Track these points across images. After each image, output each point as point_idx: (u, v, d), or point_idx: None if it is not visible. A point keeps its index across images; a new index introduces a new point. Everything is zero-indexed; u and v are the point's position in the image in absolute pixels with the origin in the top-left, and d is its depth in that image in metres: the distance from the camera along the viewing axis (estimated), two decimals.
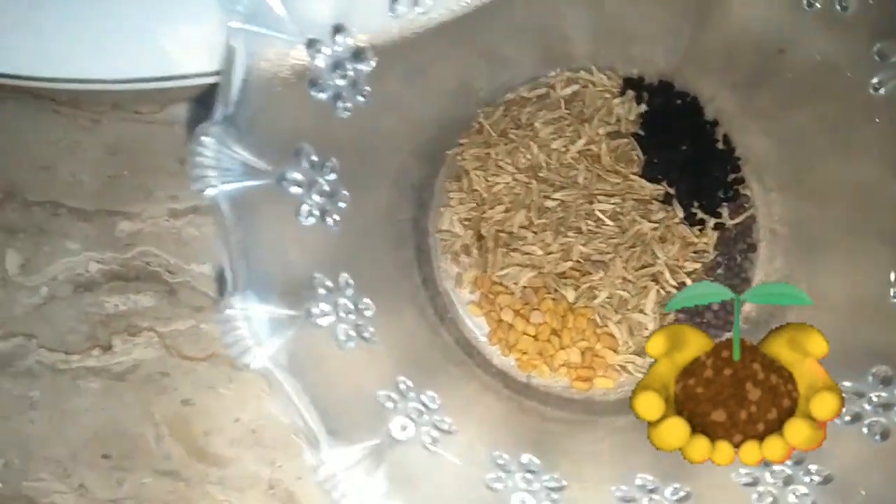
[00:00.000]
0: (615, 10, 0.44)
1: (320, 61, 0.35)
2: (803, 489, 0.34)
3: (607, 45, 0.46)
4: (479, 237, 0.46)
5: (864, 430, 0.35)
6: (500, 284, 0.46)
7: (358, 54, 0.36)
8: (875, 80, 0.38)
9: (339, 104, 0.36)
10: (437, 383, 0.39)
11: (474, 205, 0.46)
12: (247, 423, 0.47)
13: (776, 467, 0.35)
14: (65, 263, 0.49)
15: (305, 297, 0.34)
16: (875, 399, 0.35)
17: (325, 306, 0.34)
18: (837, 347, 0.39)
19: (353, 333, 0.35)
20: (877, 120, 0.39)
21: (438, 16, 0.40)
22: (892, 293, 0.39)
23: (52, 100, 0.49)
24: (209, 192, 0.31)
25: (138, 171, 0.49)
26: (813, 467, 0.34)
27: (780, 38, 0.41)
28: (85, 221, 0.49)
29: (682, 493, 0.37)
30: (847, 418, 0.35)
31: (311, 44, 0.35)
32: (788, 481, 0.35)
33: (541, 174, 0.46)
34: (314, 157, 0.36)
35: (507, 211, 0.45)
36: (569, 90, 0.47)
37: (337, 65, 0.36)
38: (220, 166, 0.31)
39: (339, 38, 0.35)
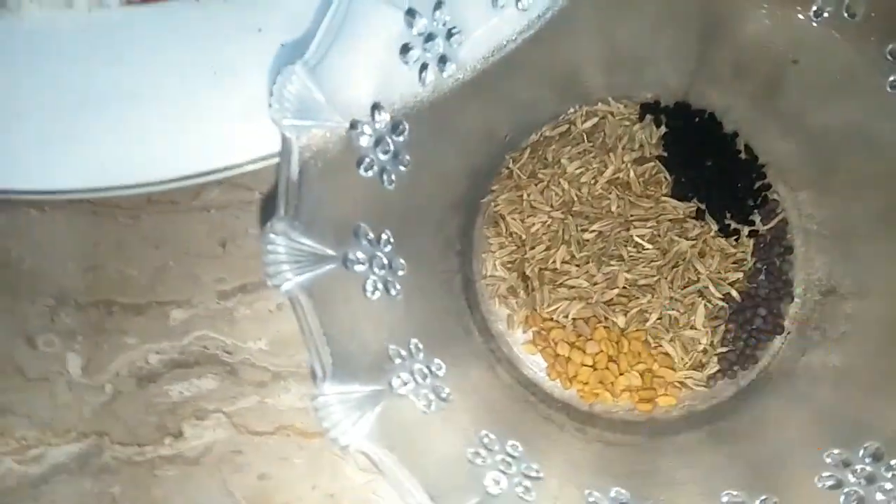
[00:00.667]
0: (623, 39, 0.45)
1: (364, 141, 0.36)
2: (889, 485, 0.36)
3: (620, 74, 0.48)
4: (524, 277, 0.47)
5: None
6: (552, 320, 0.47)
7: (395, 127, 0.38)
8: (892, 79, 0.39)
9: (385, 177, 0.38)
10: (514, 429, 0.40)
11: (514, 247, 0.47)
12: (325, 489, 0.48)
13: (857, 466, 0.37)
14: (125, 358, 0.50)
15: (385, 370, 0.35)
16: None
17: (404, 375, 0.36)
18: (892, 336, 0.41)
19: (432, 397, 0.36)
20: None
21: (462, 76, 0.41)
22: None
23: (88, 202, 0.50)
24: (286, 286, 0.32)
25: (183, 259, 0.50)
26: (894, 462, 0.36)
27: (792, 48, 0.42)
28: (139, 315, 0.50)
29: None
30: None
31: (354, 125, 0.36)
32: (871, 479, 0.36)
33: (575, 209, 0.47)
34: (370, 234, 0.37)
35: (547, 249, 0.47)
36: (589, 123, 0.48)
37: (379, 141, 0.37)
38: (292, 259, 0.33)
39: (377, 115, 0.36)
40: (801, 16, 0.41)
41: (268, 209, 0.49)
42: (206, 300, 0.50)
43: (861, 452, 0.37)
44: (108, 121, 0.43)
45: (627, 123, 0.48)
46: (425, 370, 0.37)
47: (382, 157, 0.37)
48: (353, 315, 0.35)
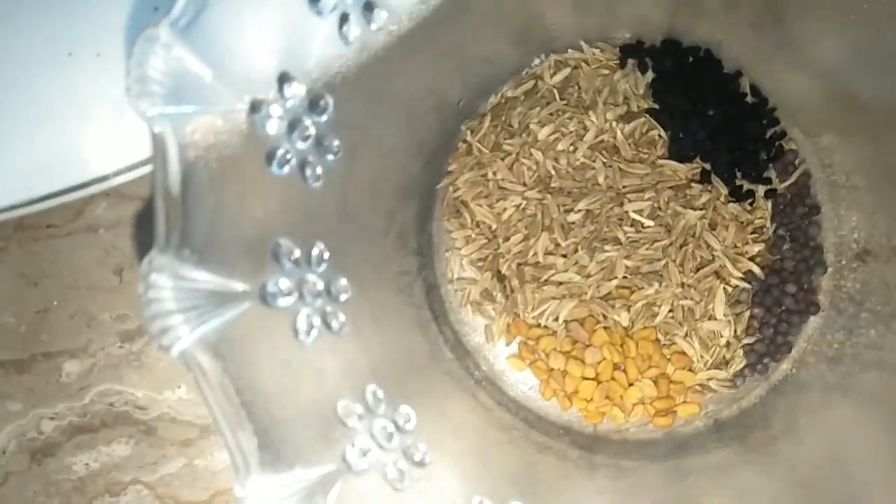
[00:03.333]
0: None
1: (273, 126, 0.26)
2: None
3: (592, 10, 0.39)
4: (500, 277, 0.38)
5: None
6: (539, 326, 0.38)
7: (315, 103, 0.28)
8: None
9: (308, 172, 0.28)
10: (510, 479, 0.31)
11: (485, 240, 0.38)
12: None
13: None
14: (12, 430, 0.40)
15: (336, 440, 0.26)
16: None
17: (361, 441, 0.26)
18: None
19: (403, 465, 0.27)
20: None
21: (395, 28, 0.31)
22: None
23: None
24: (177, 346, 0.22)
25: (70, 296, 0.40)
26: None
27: None
28: (21, 373, 0.40)
29: None
30: None
31: (256, 107, 0.26)
32: None
33: (553, 185, 0.38)
34: (296, 252, 0.27)
35: (525, 239, 0.38)
36: (559, 76, 0.39)
37: (294, 125, 0.27)
38: (185, 306, 0.23)
39: (287, 89, 0.27)
40: None
41: (145, 234, 0.39)
42: (107, 345, 0.40)
43: None
44: None
45: (606, 72, 0.39)
46: (390, 427, 0.28)
47: (301, 145, 0.28)
48: (282, 370, 0.25)
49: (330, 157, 0.29)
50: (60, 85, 0.33)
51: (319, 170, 0.29)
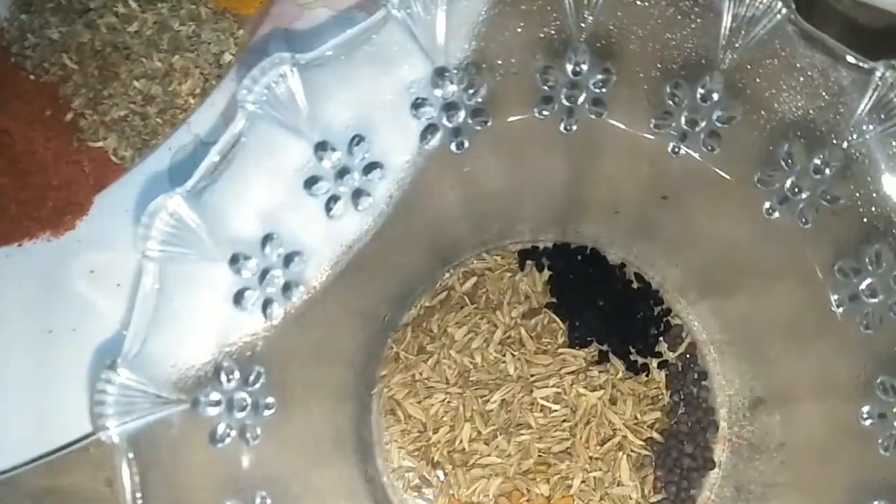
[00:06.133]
0: (490, 199, 0.43)
1: (213, 410, 0.33)
2: None
3: (490, 226, 0.45)
4: (434, 463, 0.44)
5: None
6: (473, 502, 0.44)
7: (247, 377, 0.34)
8: (767, 205, 0.37)
9: (248, 434, 0.34)
10: None
11: (417, 433, 0.44)
12: None
13: None
14: None
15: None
16: None
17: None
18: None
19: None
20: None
21: (314, 290, 0.37)
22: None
23: None
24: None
25: None
26: None
27: (660, 185, 0.40)
28: None
29: None
30: None
31: (197, 403, 0.32)
32: None
33: (472, 378, 0.44)
34: None
35: (451, 429, 0.44)
36: (468, 284, 0.45)
37: (230, 402, 0.33)
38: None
39: (223, 377, 0.33)
40: (662, 153, 0.38)
41: None
42: None
43: None
44: None
45: (508, 275, 0.45)
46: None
47: (239, 415, 0.34)
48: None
49: (267, 412, 0.35)
50: (43, 357, 0.39)
51: (259, 430, 0.35)
